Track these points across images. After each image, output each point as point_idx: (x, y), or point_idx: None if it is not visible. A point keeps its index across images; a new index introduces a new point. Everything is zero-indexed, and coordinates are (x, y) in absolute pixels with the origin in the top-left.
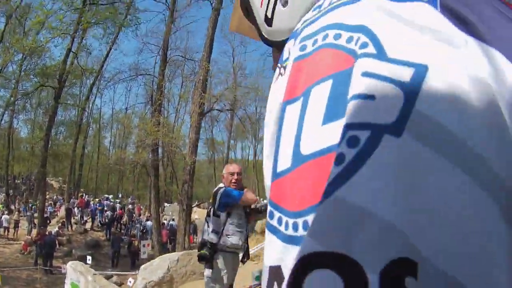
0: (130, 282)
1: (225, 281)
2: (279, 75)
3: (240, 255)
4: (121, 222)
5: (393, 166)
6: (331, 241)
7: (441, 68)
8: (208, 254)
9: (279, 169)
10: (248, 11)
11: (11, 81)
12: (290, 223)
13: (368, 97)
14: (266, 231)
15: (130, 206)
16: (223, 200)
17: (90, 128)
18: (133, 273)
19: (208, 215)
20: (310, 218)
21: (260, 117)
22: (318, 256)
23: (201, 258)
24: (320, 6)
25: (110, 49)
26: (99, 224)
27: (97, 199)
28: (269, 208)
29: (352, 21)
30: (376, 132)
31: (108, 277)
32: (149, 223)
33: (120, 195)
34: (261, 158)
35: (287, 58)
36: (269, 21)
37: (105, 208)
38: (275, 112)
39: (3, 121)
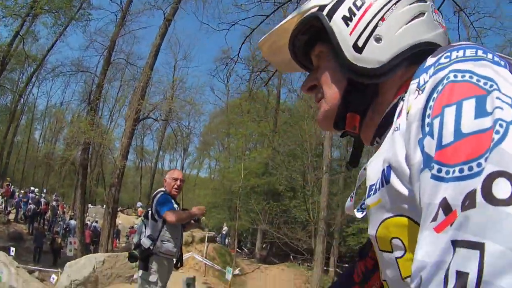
0: (53, 279)
1: (159, 284)
2: (416, 92)
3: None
4: (45, 217)
5: None
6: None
7: None
8: (139, 256)
9: (443, 143)
10: (294, 51)
11: None
12: (456, 169)
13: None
14: (433, 181)
15: (54, 203)
16: (158, 207)
17: (23, 117)
18: (55, 270)
19: (146, 217)
20: (474, 163)
21: (192, 131)
22: (499, 173)
23: (131, 257)
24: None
25: (57, 40)
26: (22, 216)
27: (22, 191)
28: (436, 166)
29: (481, 72)
30: None
31: (30, 272)
32: (72, 222)
33: (45, 190)
34: (187, 172)
35: (423, 85)
36: (358, 48)
37: (30, 201)
38: (416, 116)
39: None
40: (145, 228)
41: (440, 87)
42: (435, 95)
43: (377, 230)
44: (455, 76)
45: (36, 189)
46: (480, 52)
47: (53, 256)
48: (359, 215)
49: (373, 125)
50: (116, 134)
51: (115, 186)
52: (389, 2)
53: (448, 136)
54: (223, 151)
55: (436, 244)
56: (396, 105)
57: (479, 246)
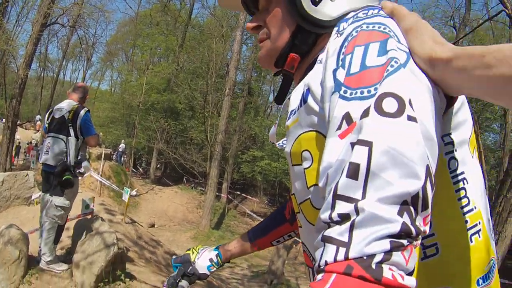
0: None
1: (71, 207)
2: (336, 35)
3: None
4: None
5: None
6: None
7: None
8: (73, 180)
9: (351, 72)
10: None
11: None
12: (358, 91)
13: None
14: (340, 100)
15: None
16: (87, 126)
17: None
18: None
19: (59, 132)
20: (372, 88)
21: (98, 40)
22: None
23: (66, 184)
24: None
25: None
26: None
27: None
28: (343, 88)
29: (386, 22)
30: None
31: None
32: None
33: None
34: (89, 83)
35: (342, 30)
36: (315, 2)
37: None
38: (334, 53)
39: None
40: (67, 146)
41: (354, 33)
42: (349, 38)
43: (292, 146)
44: (367, 26)
45: None
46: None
47: None
48: (278, 146)
49: (305, 67)
50: (21, 40)
51: (16, 98)
52: None
53: (355, 67)
54: (127, 63)
55: (339, 147)
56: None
57: (368, 144)
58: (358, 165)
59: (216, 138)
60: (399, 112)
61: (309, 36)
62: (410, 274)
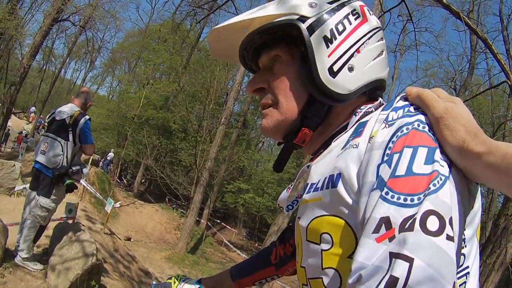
0: None
1: (55, 210)
2: (384, 124)
3: None
4: None
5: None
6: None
7: None
8: (76, 184)
9: (396, 174)
10: (245, 48)
11: None
12: (401, 196)
13: None
14: (380, 200)
15: None
16: (86, 134)
17: None
18: None
19: (57, 134)
20: (415, 197)
21: (104, 45)
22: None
23: (71, 189)
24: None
25: None
26: None
27: None
28: (386, 189)
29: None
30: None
31: None
32: None
33: None
34: (88, 85)
35: (392, 121)
36: (333, 73)
37: None
38: (382, 145)
39: None
40: (64, 150)
41: (405, 130)
42: (399, 133)
43: (309, 223)
44: (418, 126)
45: None
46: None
47: None
48: (285, 211)
49: (319, 140)
50: (31, 30)
51: (15, 86)
52: (365, 35)
53: (402, 170)
54: (129, 74)
55: (375, 252)
56: (345, 126)
57: (409, 260)
58: (397, 279)
59: (205, 164)
60: (440, 231)
61: (323, 108)
62: None
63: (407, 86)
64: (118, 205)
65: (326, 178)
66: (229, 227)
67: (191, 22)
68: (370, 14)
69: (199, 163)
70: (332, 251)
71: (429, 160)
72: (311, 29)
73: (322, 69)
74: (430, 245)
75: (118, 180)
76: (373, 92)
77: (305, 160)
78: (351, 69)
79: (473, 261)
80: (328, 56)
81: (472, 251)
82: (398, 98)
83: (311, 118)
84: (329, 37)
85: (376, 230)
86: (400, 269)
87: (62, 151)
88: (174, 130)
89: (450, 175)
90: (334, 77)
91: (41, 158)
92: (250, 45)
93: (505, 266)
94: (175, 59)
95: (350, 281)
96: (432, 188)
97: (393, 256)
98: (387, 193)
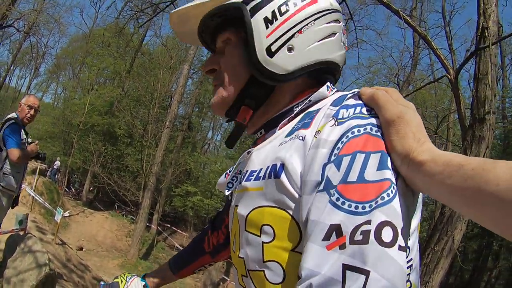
0: None
1: (1, 222)
2: (333, 120)
3: None
4: None
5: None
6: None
7: None
8: None
9: (348, 180)
10: (202, 30)
11: None
12: (352, 204)
13: None
14: (330, 206)
15: None
16: (6, 138)
17: None
18: None
19: None
20: (366, 204)
21: (48, 51)
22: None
23: None
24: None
25: None
26: None
27: None
28: (336, 195)
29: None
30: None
31: None
32: None
33: None
34: (33, 93)
35: (342, 119)
36: (271, 53)
37: None
38: (328, 144)
39: None
40: None
41: (356, 132)
42: (349, 134)
43: (249, 212)
44: (371, 129)
45: None
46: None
47: None
48: (226, 192)
49: (261, 120)
50: None
51: None
52: (310, 17)
53: (353, 176)
54: (73, 80)
55: (326, 260)
56: (289, 110)
57: (365, 272)
58: None
59: (152, 168)
60: (393, 242)
61: (263, 88)
62: None
63: (351, 83)
64: (68, 214)
65: (268, 167)
66: (180, 231)
67: (134, 25)
68: None
69: (146, 168)
70: (275, 243)
71: (381, 166)
72: (254, 10)
73: (260, 50)
74: (385, 257)
75: (67, 189)
76: (320, 75)
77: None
78: (290, 49)
79: (415, 253)
80: (267, 37)
81: (415, 243)
82: (349, 95)
83: (251, 97)
84: (270, 18)
85: (326, 237)
86: (355, 282)
87: None
88: (120, 136)
89: (398, 182)
90: (271, 57)
91: None
92: (205, 29)
93: (453, 252)
94: (119, 64)
95: (299, 287)
96: (386, 198)
97: (347, 268)
98: (337, 199)
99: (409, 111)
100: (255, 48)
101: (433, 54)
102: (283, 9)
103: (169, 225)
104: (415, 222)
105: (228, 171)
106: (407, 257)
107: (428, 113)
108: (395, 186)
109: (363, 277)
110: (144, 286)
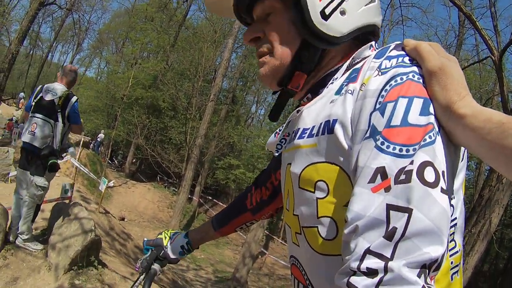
0: None
1: (49, 187)
2: (377, 71)
3: None
4: None
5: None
6: None
7: None
8: (59, 164)
9: (391, 124)
10: (239, 2)
11: None
12: (397, 147)
13: None
14: (375, 150)
15: None
16: (76, 114)
17: None
18: None
19: (47, 115)
20: (410, 148)
21: (91, 27)
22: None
23: (52, 168)
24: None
25: None
26: None
27: None
28: (381, 139)
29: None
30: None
31: None
32: None
33: None
34: (77, 66)
35: (385, 69)
36: (325, 16)
37: None
38: (374, 93)
39: None
40: (54, 131)
41: (399, 80)
42: (393, 82)
43: (303, 170)
44: (413, 76)
45: None
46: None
47: None
48: (276, 153)
49: (308, 85)
50: (17, 15)
51: (4, 72)
52: None
53: (397, 120)
54: (116, 54)
55: (372, 202)
56: (336, 71)
57: (408, 211)
58: (395, 229)
59: (195, 141)
60: (436, 183)
61: (316, 52)
62: None
63: None
64: (112, 184)
65: (321, 123)
66: (221, 204)
67: (177, 0)
68: None
69: (189, 141)
70: (328, 199)
71: (425, 111)
72: None
73: (314, 13)
74: (427, 197)
75: (109, 161)
76: (365, 37)
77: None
78: (343, 12)
79: (459, 213)
80: (320, 1)
81: (459, 203)
82: (392, 46)
83: (305, 62)
84: None
85: (372, 180)
86: (398, 220)
87: (52, 132)
88: (164, 109)
89: (440, 129)
90: (326, 20)
91: (31, 139)
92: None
93: (489, 235)
94: (162, 38)
95: (346, 231)
96: (428, 140)
97: (390, 208)
98: (382, 143)
99: (451, 64)
100: (309, 11)
101: (478, 34)
102: None
103: (210, 198)
104: (459, 181)
105: (278, 130)
106: (451, 215)
107: (472, 94)
108: (437, 131)
109: (406, 215)
110: (187, 243)
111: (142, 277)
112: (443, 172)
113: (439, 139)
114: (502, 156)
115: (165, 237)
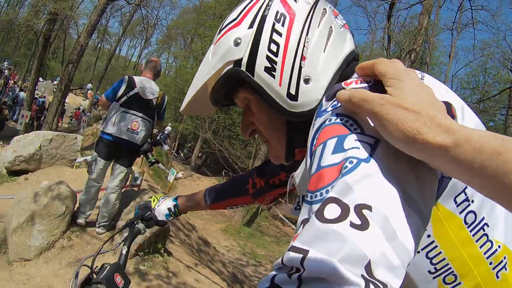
0: None
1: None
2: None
3: None
4: None
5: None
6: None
7: None
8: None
9: (311, 173)
10: (217, 101)
11: None
12: (311, 195)
13: None
14: (304, 204)
15: (6, 71)
16: (164, 113)
17: None
18: None
19: (148, 114)
20: (323, 191)
21: (158, 21)
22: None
23: (154, 163)
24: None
25: None
26: None
27: None
28: (308, 193)
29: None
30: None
31: None
32: (21, 93)
33: None
34: (143, 62)
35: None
36: (293, 96)
37: None
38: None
39: None
40: (149, 127)
41: (320, 131)
42: (316, 135)
43: None
44: (329, 120)
45: None
46: None
47: None
48: (296, 213)
49: None
50: (86, 9)
51: (73, 63)
52: (301, 36)
53: (314, 168)
54: (185, 50)
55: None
56: None
57: (304, 252)
58: (296, 271)
59: None
60: (341, 218)
61: (303, 124)
62: None
63: (464, 65)
64: (180, 176)
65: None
66: (284, 202)
67: None
68: (296, 2)
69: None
70: None
71: (338, 148)
72: (250, 67)
73: (282, 101)
74: (327, 233)
75: (176, 154)
76: (350, 66)
77: None
78: (307, 80)
79: (487, 212)
80: (280, 85)
81: (485, 200)
82: (323, 100)
83: (298, 139)
84: (270, 66)
85: (296, 231)
86: (293, 261)
87: (150, 130)
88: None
89: (375, 153)
90: (297, 100)
91: (131, 137)
92: (218, 98)
93: None
94: None
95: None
96: (344, 172)
97: (290, 249)
98: (307, 196)
99: (402, 85)
100: (277, 101)
101: None
102: (274, 48)
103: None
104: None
105: (285, 199)
106: (474, 220)
107: None
108: (354, 160)
109: (299, 256)
110: (174, 206)
111: (125, 234)
112: (358, 206)
113: (360, 168)
114: (505, 195)
115: (154, 200)
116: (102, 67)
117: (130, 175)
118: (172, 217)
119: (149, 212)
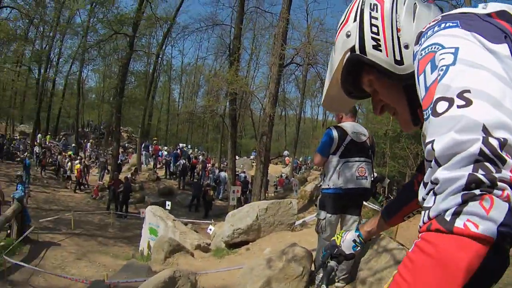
0: (209, 230)
1: None
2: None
3: None
4: (195, 171)
5: None
6: None
7: None
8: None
9: (421, 96)
10: (349, 92)
11: (79, 32)
12: (426, 112)
13: None
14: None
15: (201, 157)
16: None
17: (159, 80)
18: (208, 221)
19: (367, 156)
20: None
21: None
22: None
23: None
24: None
25: None
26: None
27: (165, 147)
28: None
29: (436, 40)
30: None
31: (184, 224)
32: (222, 173)
33: (189, 146)
34: (330, 118)
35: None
36: (399, 62)
37: (180, 157)
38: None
39: (71, 71)
40: (371, 168)
41: (416, 64)
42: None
43: None
44: (421, 54)
45: (183, 145)
46: (442, 25)
47: (205, 208)
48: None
49: None
50: (261, 82)
51: (266, 135)
52: (392, 15)
53: (421, 92)
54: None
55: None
56: None
57: (429, 143)
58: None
59: None
60: (449, 107)
61: (415, 85)
62: (503, 224)
63: None
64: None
65: None
66: None
67: None
68: None
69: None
70: None
71: (433, 67)
72: (362, 49)
73: (394, 68)
74: (442, 120)
75: (390, 196)
76: None
77: None
78: (406, 46)
79: None
80: (387, 56)
81: None
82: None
83: (416, 99)
84: (376, 44)
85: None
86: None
87: (372, 171)
88: None
89: (460, 50)
90: (403, 64)
91: (363, 183)
92: (348, 88)
93: None
94: None
95: None
96: (438, 80)
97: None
98: (424, 114)
99: None
100: (391, 70)
101: None
102: (375, 29)
103: None
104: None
105: None
106: None
107: None
108: (443, 66)
109: (430, 146)
110: (358, 235)
111: (320, 275)
112: (460, 92)
113: (451, 68)
114: None
115: (337, 238)
116: (291, 133)
117: None
118: (358, 248)
119: (337, 249)
